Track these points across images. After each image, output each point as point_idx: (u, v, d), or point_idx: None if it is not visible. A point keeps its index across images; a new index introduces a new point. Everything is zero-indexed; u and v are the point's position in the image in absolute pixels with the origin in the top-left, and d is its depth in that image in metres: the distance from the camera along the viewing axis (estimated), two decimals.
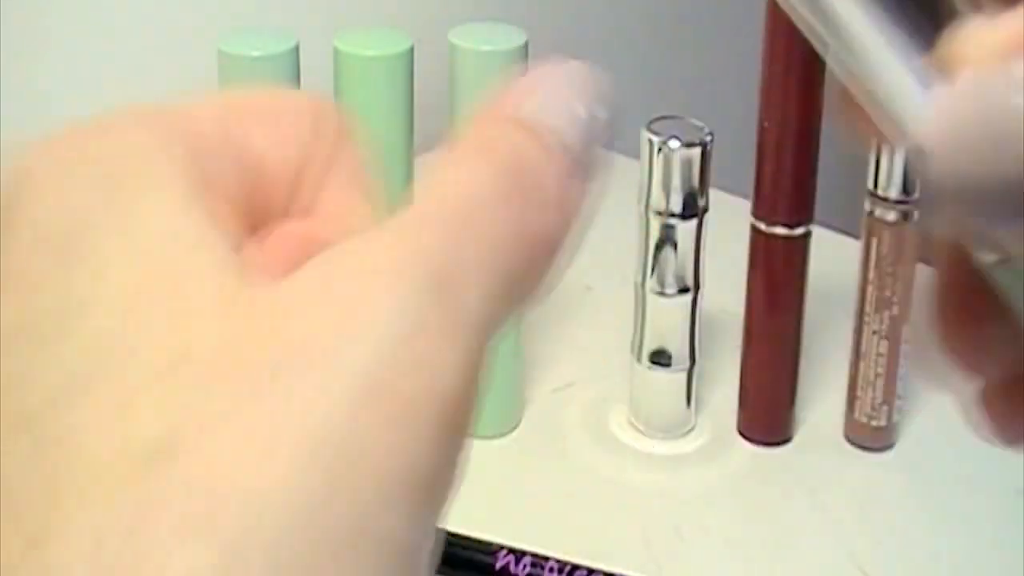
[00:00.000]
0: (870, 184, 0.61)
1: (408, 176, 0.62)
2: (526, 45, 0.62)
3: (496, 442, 0.65)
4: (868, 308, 0.63)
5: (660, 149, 0.60)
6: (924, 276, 0.65)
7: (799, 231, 0.62)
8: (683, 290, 0.63)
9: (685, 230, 0.61)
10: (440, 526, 0.21)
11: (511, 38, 0.62)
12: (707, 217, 0.62)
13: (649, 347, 0.64)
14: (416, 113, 0.63)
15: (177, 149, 0.22)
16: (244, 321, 0.20)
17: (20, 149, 0.22)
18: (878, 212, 0.61)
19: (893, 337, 0.63)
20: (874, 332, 0.63)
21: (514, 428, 0.67)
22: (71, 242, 0.21)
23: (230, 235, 0.21)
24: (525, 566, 0.54)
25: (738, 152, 0.66)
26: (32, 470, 0.19)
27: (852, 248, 0.64)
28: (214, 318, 0.20)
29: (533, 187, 0.22)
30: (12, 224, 0.21)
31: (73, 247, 0.21)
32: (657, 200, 0.61)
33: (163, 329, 0.20)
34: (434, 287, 0.20)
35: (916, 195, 0.61)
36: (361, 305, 0.20)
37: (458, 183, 0.22)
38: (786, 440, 0.66)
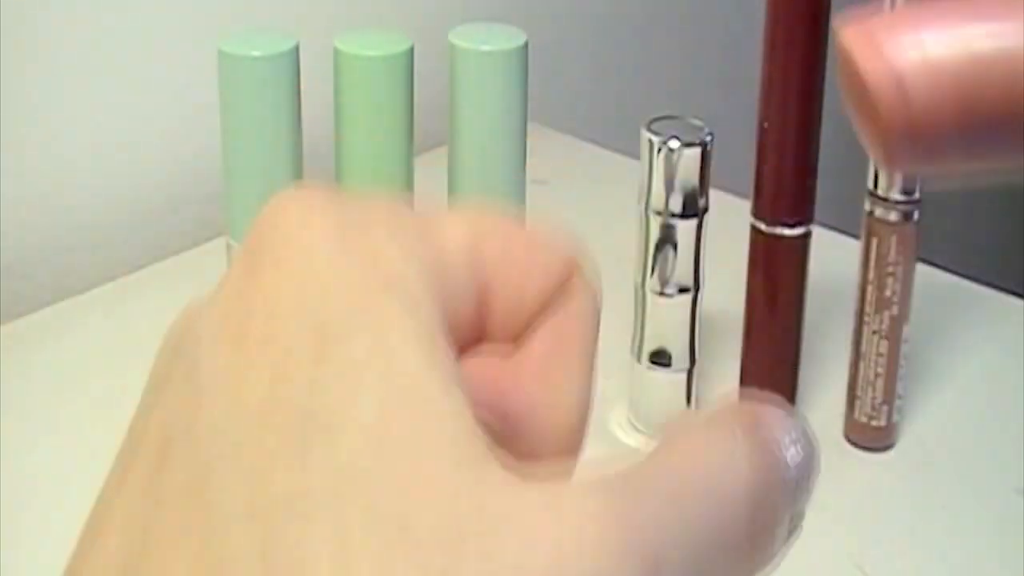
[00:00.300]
0: (870, 184, 0.61)
1: (408, 176, 0.62)
2: (526, 45, 0.62)
3: None
4: (868, 308, 0.63)
5: (660, 149, 0.60)
6: (923, 276, 0.65)
7: (799, 231, 0.62)
8: (683, 290, 0.63)
9: (685, 230, 0.61)
10: None
11: (511, 38, 0.62)
12: (707, 217, 0.62)
13: (649, 347, 0.64)
14: (416, 113, 0.63)
15: (427, 268, 0.22)
16: (460, 518, 0.20)
17: (279, 192, 0.22)
18: (878, 212, 0.61)
19: (893, 337, 0.63)
20: (874, 332, 0.63)
21: None
22: (323, 334, 0.21)
23: (459, 375, 0.21)
24: None
25: (738, 152, 0.66)
26: (243, 566, 0.19)
27: (852, 248, 0.64)
28: (439, 497, 0.20)
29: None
30: (257, 265, 0.22)
31: (327, 341, 0.21)
32: (657, 200, 0.61)
33: (394, 486, 0.20)
34: (643, 570, 0.20)
35: (916, 195, 0.61)
36: (566, 565, 0.20)
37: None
38: None
